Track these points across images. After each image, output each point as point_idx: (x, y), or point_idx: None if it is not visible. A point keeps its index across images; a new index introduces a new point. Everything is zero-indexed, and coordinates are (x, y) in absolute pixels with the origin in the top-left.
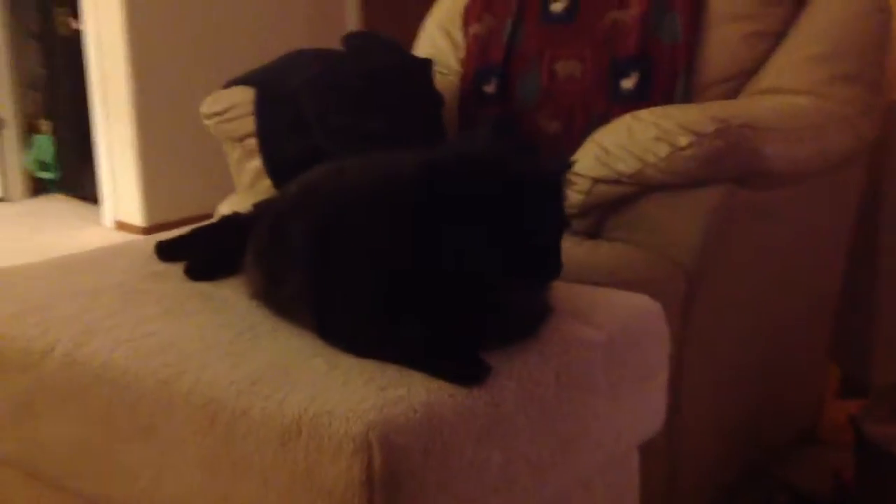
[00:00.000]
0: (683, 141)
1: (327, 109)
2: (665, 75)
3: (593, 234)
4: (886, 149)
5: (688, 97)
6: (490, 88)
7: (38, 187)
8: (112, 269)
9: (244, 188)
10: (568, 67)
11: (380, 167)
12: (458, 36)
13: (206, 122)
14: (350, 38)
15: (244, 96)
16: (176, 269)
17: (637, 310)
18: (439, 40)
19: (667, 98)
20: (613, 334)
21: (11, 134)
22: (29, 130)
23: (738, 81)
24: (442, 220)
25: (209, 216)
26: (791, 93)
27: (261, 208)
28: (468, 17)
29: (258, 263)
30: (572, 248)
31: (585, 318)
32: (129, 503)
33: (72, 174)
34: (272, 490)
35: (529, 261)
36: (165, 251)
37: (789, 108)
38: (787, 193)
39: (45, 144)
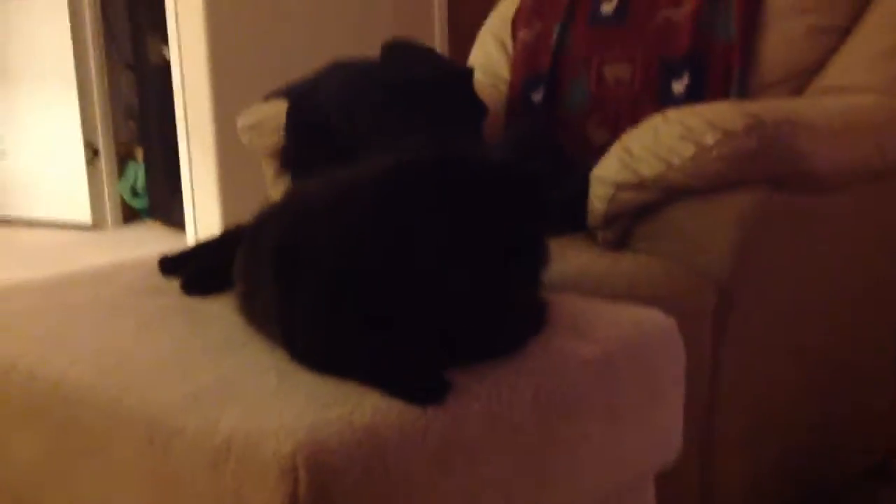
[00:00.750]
0: (710, 139)
1: (353, 120)
2: (719, 76)
3: (619, 245)
4: None
5: (744, 99)
6: (538, 97)
7: (132, 215)
8: (109, 284)
9: None
10: (617, 71)
11: (352, 175)
12: (510, 44)
13: (242, 136)
14: (387, 47)
15: (278, 109)
16: (174, 285)
17: (644, 325)
18: (492, 49)
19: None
20: (611, 350)
21: (105, 162)
22: (123, 158)
23: (799, 81)
24: (393, 222)
25: None
26: (857, 91)
27: (254, 219)
28: (517, 23)
29: (240, 276)
30: (592, 260)
31: (582, 333)
32: None
33: (162, 201)
34: None
35: (489, 264)
36: (168, 266)
37: (845, 105)
38: (838, 198)
39: (137, 172)
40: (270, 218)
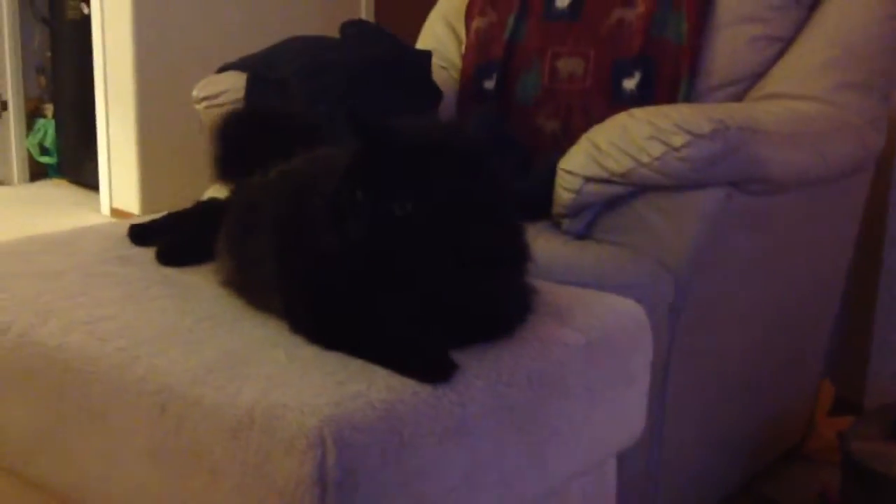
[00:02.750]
0: (678, 141)
1: (316, 97)
2: (668, 77)
3: (584, 235)
4: (891, 160)
5: (691, 101)
6: (490, 84)
7: (39, 172)
8: (79, 250)
9: None
10: (570, 65)
11: (342, 156)
12: (461, 30)
13: (197, 106)
14: (347, 27)
15: (236, 81)
16: (145, 254)
17: (620, 313)
18: (441, 33)
19: (670, 101)
20: (593, 337)
21: (14, 117)
22: (32, 114)
23: (743, 85)
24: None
25: None
26: (797, 98)
27: (237, 195)
28: (471, 10)
29: (230, 250)
30: (559, 248)
31: (565, 319)
32: (81, 495)
33: (72, 159)
34: (222, 484)
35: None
36: (138, 235)
37: (792, 113)
38: (786, 201)
39: (47, 129)
40: (265, 193)
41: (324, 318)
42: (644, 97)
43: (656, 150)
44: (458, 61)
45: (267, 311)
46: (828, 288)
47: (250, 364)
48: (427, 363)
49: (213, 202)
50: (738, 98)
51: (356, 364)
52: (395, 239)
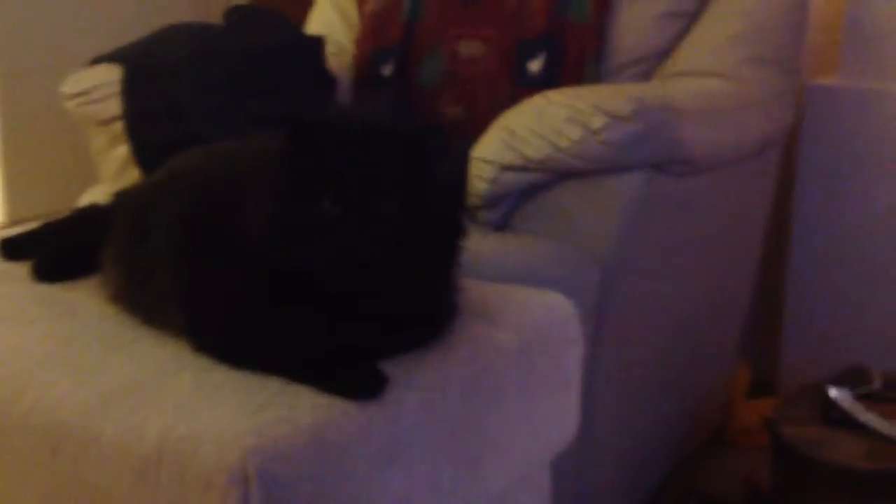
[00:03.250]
0: (597, 123)
1: (206, 89)
2: (574, 57)
3: (501, 226)
4: (799, 136)
5: (598, 81)
6: (387, 70)
7: None
8: None
9: (110, 178)
10: (471, 48)
11: (250, 151)
12: (353, 13)
13: (68, 103)
14: (232, 13)
15: (111, 75)
16: (21, 270)
17: (551, 311)
18: (331, 17)
19: (576, 82)
20: (526, 338)
21: None
22: None
23: (650, 64)
24: (315, 199)
25: None
26: (704, 75)
27: (122, 199)
28: None
29: (118, 261)
30: (478, 243)
31: (495, 320)
32: None
33: None
34: None
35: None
36: (11, 248)
37: (705, 91)
38: (704, 182)
39: None
40: (156, 195)
41: (237, 334)
42: (549, 79)
43: (574, 133)
44: (350, 47)
45: (164, 328)
46: (743, 268)
47: (153, 392)
48: (355, 378)
49: (93, 208)
50: (647, 77)
51: (275, 384)
52: (384, 245)
